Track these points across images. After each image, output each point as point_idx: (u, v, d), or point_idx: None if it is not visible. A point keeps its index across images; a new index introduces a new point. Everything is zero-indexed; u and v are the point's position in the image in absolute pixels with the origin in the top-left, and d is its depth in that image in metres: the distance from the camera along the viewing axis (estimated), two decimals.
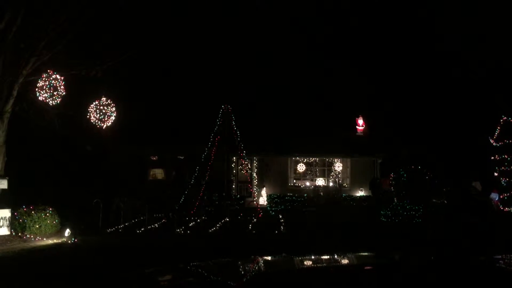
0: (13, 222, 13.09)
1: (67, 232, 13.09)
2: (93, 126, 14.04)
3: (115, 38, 16.19)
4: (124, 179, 21.49)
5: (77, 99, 15.30)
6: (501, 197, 20.65)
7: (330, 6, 45.84)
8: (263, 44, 43.84)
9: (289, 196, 22.22)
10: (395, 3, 45.07)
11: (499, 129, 21.29)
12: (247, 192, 24.75)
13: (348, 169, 25.63)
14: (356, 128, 28.07)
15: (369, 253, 3.96)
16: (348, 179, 25.58)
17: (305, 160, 25.45)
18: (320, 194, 23.91)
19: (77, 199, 17.59)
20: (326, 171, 25.83)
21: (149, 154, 24.41)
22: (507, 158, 20.73)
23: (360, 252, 3.87)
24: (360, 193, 24.54)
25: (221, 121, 20.32)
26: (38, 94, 12.69)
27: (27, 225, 12.95)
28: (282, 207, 20.80)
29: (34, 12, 13.99)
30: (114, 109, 13.88)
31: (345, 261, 3.54)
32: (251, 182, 24.96)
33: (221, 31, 36.65)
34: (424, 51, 43.47)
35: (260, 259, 3.45)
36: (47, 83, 12.59)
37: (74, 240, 12.36)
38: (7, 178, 13.82)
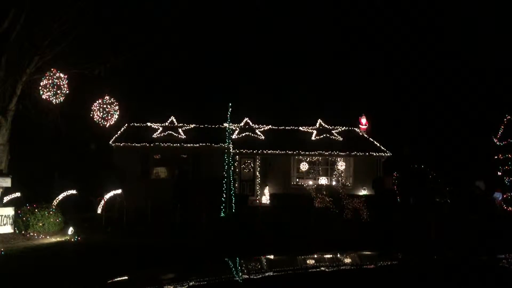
0: (16, 220, 13.15)
1: (70, 230, 13.13)
2: (97, 124, 14.06)
3: (118, 37, 16.21)
4: (127, 178, 21.52)
5: (80, 98, 15.35)
6: (504, 196, 20.59)
7: (336, 5, 45.80)
8: (266, 42, 43.80)
9: (292, 195, 22.21)
10: (397, 3, 44.96)
11: (502, 128, 21.22)
12: (250, 191, 24.75)
13: (351, 168, 25.59)
14: (360, 127, 28.03)
15: (371, 253, 3.96)
16: (351, 178, 25.55)
17: (308, 159, 25.43)
18: (323, 193, 23.86)
19: (81, 198, 17.63)
20: (329, 170, 25.80)
21: (152, 153, 24.43)
22: (511, 157, 20.66)
23: (363, 252, 3.87)
24: (363, 192, 24.49)
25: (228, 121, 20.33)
26: (41, 92, 12.72)
27: (31, 223, 12.99)
28: (285, 205, 20.78)
29: (37, 11, 14.02)
30: (117, 107, 13.90)
31: (347, 261, 3.54)
32: (254, 181, 24.96)
33: (223, 27, 36.56)
34: (427, 50, 43.38)
35: (262, 258, 3.45)
36: (50, 82, 12.61)
37: (77, 239, 12.40)
38: (10, 176, 13.87)
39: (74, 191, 17.07)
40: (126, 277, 2.97)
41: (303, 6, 45.77)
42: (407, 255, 3.69)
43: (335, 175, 25.64)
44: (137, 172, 23.22)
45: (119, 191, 17.88)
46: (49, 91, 12.62)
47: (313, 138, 26.39)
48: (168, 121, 26.00)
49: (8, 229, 12.94)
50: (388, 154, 25.31)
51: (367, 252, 3.93)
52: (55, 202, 15.46)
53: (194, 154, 24.18)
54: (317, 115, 28.29)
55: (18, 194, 15.91)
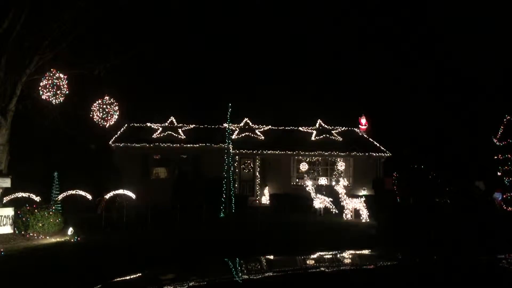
0: (16, 221, 13.14)
1: (70, 230, 13.13)
2: (97, 125, 14.05)
3: (118, 37, 16.21)
4: (127, 178, 21.51)
5: (80, 98, 15.33)
6: (504, 196, 20.59)
7: (336, 5, 45.85)
8: (266, 42, 43.80)
9: (292, 195, 22.19)
10: (397, 3, 44.96)
11: (502, 128, 21.21)
12: (249, 191, 24.74)
13: (351, 168, 25.60)
14: (359, 127, 28.02)
15: (371, 253, 3.95)
16: (351, 178, 25.55)
17: (308, 159, 25.43)
18: (323, 194, 23.85)
19: (80, 198, 17.63)
20: (329, 170, 25.81)
21: (152, 153, 24.43)
22: (511, 157, 20.66)
23: (363, 252, 3.87)
24: (363, 192, 24.50)
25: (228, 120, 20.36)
26: (41, 92, 12.71)
27: (30, 224, 12.98)
28: (285, 206, 20.78)
29: (37, 11, 14.01)
30: (117, 108, 13.89)
31: (347, 261, 3.54)
32: (253, 181, 24.95)
33: (223, 27, 36.61)
34: (427, 50, 43.38)
35: (262, 258, 3.44)
36: (50, 82, 12.61)
37: (77, 239, 12.39)
38: (10, 176, 13.86)
39: (73, 192, 17.07)
40: (126, 277, 2.97)
41: (303, 5, 45.79)
42: (407, 255, 3.69)
43: (335, 175, 25.64)
44: (137, 173, 23.20)
45: (118, 191, 17.88)
46: (49, 91, 12.61)
47: (313, 138, 26.40)
48: (168, 121, 25.99)
49: (8, 229, 12.93)
50: (388, 154, 25.32)
51: (367, 252, 3.93)
52: (56, 200, 15.45)
53: (194, 155, 24.17)
54: (317, 115, 28.30)
55: (22, 194, 15.94)
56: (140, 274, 3.11)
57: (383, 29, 45.00)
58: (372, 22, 45.94)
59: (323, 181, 24.96)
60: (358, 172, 25.35)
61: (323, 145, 25.50)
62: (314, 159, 25.65)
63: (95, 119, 13.80)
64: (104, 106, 13.68)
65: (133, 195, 17.77)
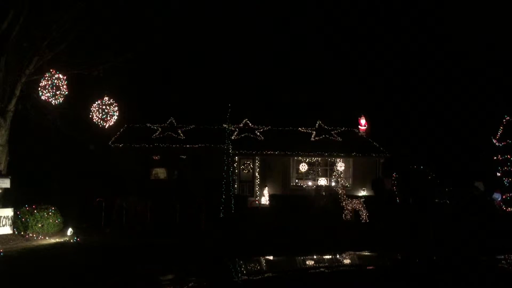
0: (15, 221, 13.12)
1: (70, 231, 13.12)
2: (96, 125, 14.05)
3: (117, 38, 16.21)
4: (126, 179, 21.49)
5: (79, 99, 15.33)
6: (503, 197, 20.60)
7: (334, 5, 45.92)
8: (265, 43, 43.81)
9: (291, 195, 22.19)
10: (397, 3, 45.02)
11: (502, 129, 21.23)
12: (249, 192, 24.72)
13: (350, 169, 25.58)
14: (359, 128, 28.01)
15: (371, 253, 3.95)
16: (350, 179, 25.53)
17: (307, 160, 25.42)
18: (322, 194, 23.86)
19: (79, 199, 17.62)
20: (328, 170, 25.79)
21: (151, 154, 24.41)
22: (510, 158, 20.67)
23: (363, 252, 3.86)
24: (363, 192, 24.49)
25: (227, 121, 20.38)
26: (40, 93, 12.70)
27: (30, 224, 12.96)
28: (285, 206, 20.77)
29: (37, 11, 14.00)
30: (116, 108, 13.89)
31: (347, 261, 3.53)
32: (253, 181, 24.93)
33: (222, 28, 36.58)
34: (427, 51, 43.41)
35: (262, 259, 3.44)
36: (49, 83, 12.60)
37: (76, 240, 12.38)
38: (10, 177, 13.84)
39: (73, 192, 17.06)
40: (126, 277, 2.96)
41: (303, 6, 45.82)
42: (407, 255, 3.69)
43: (335, 176, 25.62)
44: (136, 173, 23.16)
45: (118, 192, 17.86)
46: (48, 92, 12.61)
47: (312, 139, 26.38)
48: (168, 122, 25.98)
49: (7, 230, 12.91)
50: (387, 155, 25.30)
51: (366, 253, 3.93)
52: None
53: (194, 155, 24.15)
54: (316, 116, 28.29)
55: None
56: (140, 274, 3.11)
57: (383, 29, 45.06)
58: (372, 22, 46.02)
59: (322, 181, 24.95)
60: (357, 173, 25.34)
61: (323, 146, 25.47)
62: (314, 159, 25.63)
63: (94, 120, 13.79)
64: (104, 107, 13.67)
65: (132, 196, 17.74)
